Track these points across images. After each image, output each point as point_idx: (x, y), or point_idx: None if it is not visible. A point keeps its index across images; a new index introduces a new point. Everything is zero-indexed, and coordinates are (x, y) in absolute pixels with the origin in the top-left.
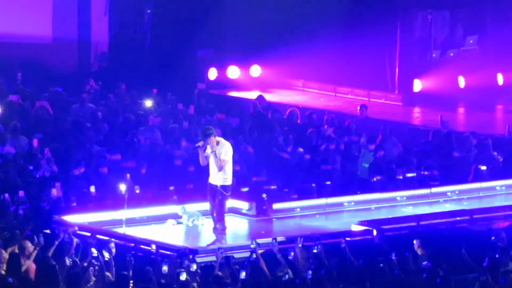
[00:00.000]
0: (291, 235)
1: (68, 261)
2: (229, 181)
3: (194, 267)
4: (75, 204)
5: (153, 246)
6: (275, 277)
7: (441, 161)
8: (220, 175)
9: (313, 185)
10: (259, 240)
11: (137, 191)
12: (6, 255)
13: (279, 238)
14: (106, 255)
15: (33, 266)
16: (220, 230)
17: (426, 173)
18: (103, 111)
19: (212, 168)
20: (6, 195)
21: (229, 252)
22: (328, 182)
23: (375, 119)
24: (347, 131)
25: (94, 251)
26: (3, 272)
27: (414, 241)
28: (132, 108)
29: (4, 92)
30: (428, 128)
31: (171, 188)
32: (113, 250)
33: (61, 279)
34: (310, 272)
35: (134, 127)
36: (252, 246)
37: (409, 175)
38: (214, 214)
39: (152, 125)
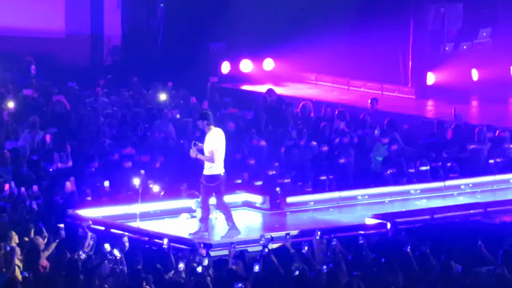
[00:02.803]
0: (305, 228)
1: (82, 255)
2: (215, 170)
3: (205, 262)
4: (90, 198)
5: (165, 241)
6: (287, 272)
7: (455, 154)
8: (206, 163)
9: (324, 177)
10: (273, 234)
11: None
12: (19, 251)
13: (292, 232)
14: (117, 253)
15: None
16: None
17: (438, 164)
18: (116, 105)
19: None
20: (22, 189)
21: (241, 246)
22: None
23: (388, 112)
24: (362, 124)
25: (107, 247)
26: (18, 266)
27: None
28: (145, 101)
29: (18, 86)
30: (441, 120)
31: (183, 187)
32: (127, 245)
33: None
34: (325, 267)
35: (147, 120)
36: (261, 242)
37: (423, 168)
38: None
39: (169, 118)
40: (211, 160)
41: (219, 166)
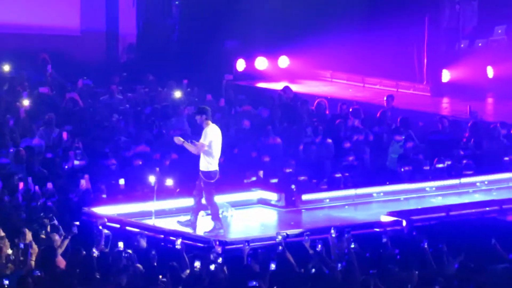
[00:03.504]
0: (320, 226)
1: (96, 252)
2: (212, 167)
3: (220, 259)
4: (105, 195)
5: (178, 241)
6: (303, 269)
7: (471, 151)
8: (203, 160)
9: (339, 175)
10: (288, 232)
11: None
12: (36, 248)
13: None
14: (130, 251)
15: (60, 259)
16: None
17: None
18: (131, 103)
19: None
20: (37, 187)
21: (256, 243)
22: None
23: (403, 109)
24: (380, 122)
25: (121, 245)
26: (32, 264)
27: None
28: (159, 99)
29: (33, 84)
30: (456, 118)
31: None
32: (144, 243)
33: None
34: (339, 265)
35: (162, 118)
36: (277, 240)
37: (439, 165)
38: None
39: (185, 116)
40: (198, 151)
41: (216, 163)
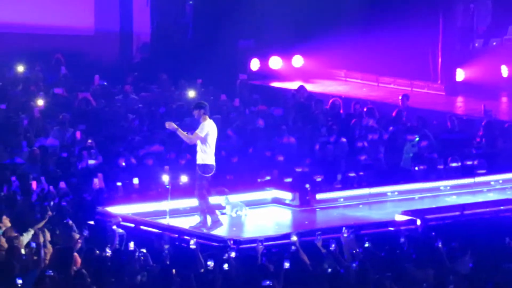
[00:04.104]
0: (335, 225)
1: (109, 252)
2: (208, 160)
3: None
4: (121, 194)
5: (192, 242)
6: (316, 269)
7: (484, 150)
8: (200, 153)
9: (353, 174)
10: (302, 231)
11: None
12: (50, 248)
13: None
14: (144, 251)
15: (77, 258)
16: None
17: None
18: (146, 102)
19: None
20: (51, 187)
21: (269, 242)
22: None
23: (418, 108)
24: (395, 121)
25: (131, 245)
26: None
27: None
28: (171, 99)
29: (47, 84)
30: (471, 117)
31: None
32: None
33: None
34: (354, 265)
35: (177, 118)
36: (292, 239)
37: (453, 164)
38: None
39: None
40: (191, 141)
41: (212, 157)
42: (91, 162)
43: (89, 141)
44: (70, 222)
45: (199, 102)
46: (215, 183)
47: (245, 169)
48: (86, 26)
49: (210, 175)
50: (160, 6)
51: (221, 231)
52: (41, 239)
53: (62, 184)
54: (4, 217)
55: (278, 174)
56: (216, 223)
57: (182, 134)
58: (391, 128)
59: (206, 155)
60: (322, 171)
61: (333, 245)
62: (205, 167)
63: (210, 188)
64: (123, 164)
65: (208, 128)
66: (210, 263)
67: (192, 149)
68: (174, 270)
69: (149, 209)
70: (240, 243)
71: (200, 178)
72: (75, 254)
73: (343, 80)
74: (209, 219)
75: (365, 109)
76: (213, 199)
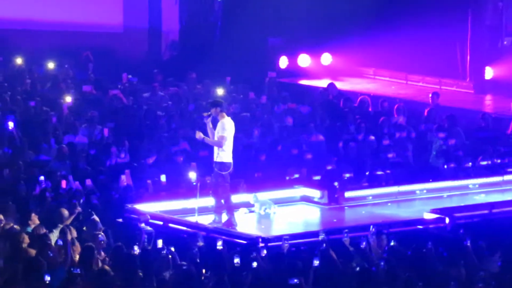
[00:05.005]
0: (363, 223)
1: (137, 250)
2: (226, 158)
3: (263, 255)
4: (150, 191)
5: (219, 243)
6: (346, 267)
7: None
8: (217, 151)
9: (380, 172)
10: (330, 229)
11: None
12: (78, 246)
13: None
14: (172, 249)
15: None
16: (216, 223)
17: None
18: (174, 100)
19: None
20: (77, 183)
21: (298, 240)
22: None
23: (447, 106)
24: (427, 119)
25: (160, 243)
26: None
27: None
28: (203, 96)
29: (76, 81)
30: (500, 115)
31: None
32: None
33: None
34: (382, 263)
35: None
36: (320, 237)
37: (483, 163)
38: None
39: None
40: (219, 145)
41: (229, 155)
42: (121, 159)
43: (123, 140)
44: (97, 218)
45: (216, 100)
46: (244, 180)
47: (274, 167)
48: (115, 24)
49: (227, 173)
50: (188, 3)
51: (249, 229)
52: (69, 237)
53: (89, 182)
54: (33, 214)
55: (306, 172)
56: (231, 223)
57: (209, 141)
58: (422, 126)
59: (223, 152)
60: (350, 169)
61: (364, 243)
62: (222, 165)
63: (230, 186)
64: (150, 161)
65: (227, 126)
66: (237, 260)
67: (210, 145)
68: (204, 270)
69: (178, 207)
70: (268, 241)
71: (216, 176)
72: (102, 252)
73: (371, 78)
74: (224, 218)
75: (395, 107)
76: (241, 197)
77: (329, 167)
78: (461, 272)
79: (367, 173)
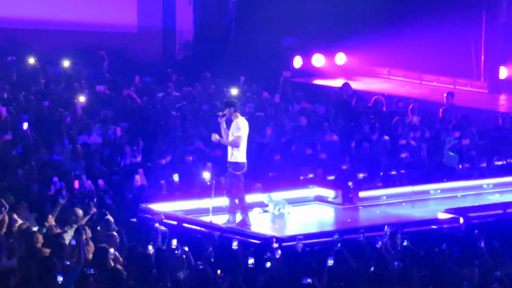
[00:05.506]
0: (377, 223)
1: (151, 250)
2: (240, 158)
3: (278, 255)
4: (164, 191)
5: (234, 243)
6: (360, 267)
7: None
8: (231, 150)
9: (394, 172)
10: (345, 229)
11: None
12: (92, 246)
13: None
14: (186, 248)
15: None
16: (231, 223)
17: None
18: (188, 100)
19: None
20: (89, 182)
21: (312, 240)
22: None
23: (461, 106)
24: (442, 119)
25: (174, 242)
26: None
27: None
28: (216, 96)
29: (90, 81)
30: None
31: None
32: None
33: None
34: (396, 263)
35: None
36: (335, 237)
37: (498, 163)
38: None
39: (245, 113)
40: (236, 145)
41: (243, 155)
42: (133, 159)
43: (137, 140)
44: (111, 218)
45: (229, 100)
46: (258, 180)
47: (288, 167)
48: (129, 24)
49: (241, 172)
50: (202, 3)
51: (263, 229)
52: (83, 237)
53: (101, 182)
54: (50, 216)
55: (321, 172)
56: (245, 223)
57: (225, 142)
58: (437, 125)
59: (238, 152)
60: (364, 169)
61: (380, 243)
62: (236, 165)
63: (245, 186)
64: (163, 162)
65: (242, 126)
66: (251, 261)
67: (224, 145)
68: (219, 271)
69: (192, 207)
70: (282, 240)
71: (230, 176)
72: (116, 252)
73: (386, 77)
74: (238, 217)
75: (410, 107)
76: (255, 197)
77: (344, 167)
78: (474, 272)
79: (381, 173)
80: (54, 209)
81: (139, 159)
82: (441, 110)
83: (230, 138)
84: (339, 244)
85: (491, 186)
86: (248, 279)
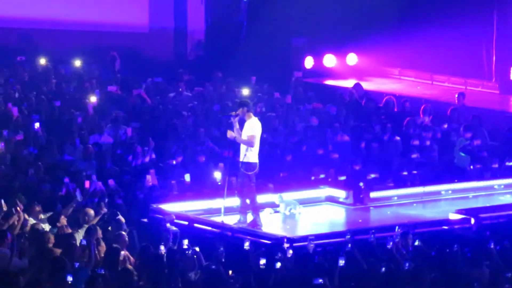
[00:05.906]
0: (389, 224)
1: (163, 250)
2: (252, 158)
3: (289, 255)
4: (175, 191)
5: (246, 244)
6: (371, 267)
7: None
8: (244, 151)
9: (405, 173)
10: (356, 229)
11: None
12: (104, 246)
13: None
14: (197, 249)
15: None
16: (242, 223)
17: None
18: (199, 100)
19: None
20: (99, 183)
21: (323, 240)
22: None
23: (472, 107)
24: (451, 119)
25: (186, 243)
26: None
27: None
28: (227, 96)
29: (102, 81)
30: None
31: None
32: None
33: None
34: (407, 264)
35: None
36: (346, 237)
37: (509, 163)
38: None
39: (257, 113)
40: (251, 144)
41: (256, 155)
42: (145, 159)
43: (149, 140)
44: (122, 218)
45: (243, 100)
46: (269, 181)
47: (299, 167)
48: (141, 24)
49: (253, 173)
50: (214, 3)
51: (274, 229)
52: (94, 237)
53: (111, 182)
54: (62, 217)
55: (333, 173)
56: (256, 223)
57: (241, 140)
58: (445, 126)
59: (250, 152)
60: (374, 169)
61: (391, 243)
62: (248, 165)
63: (256, 186)
64: (174, 162)
65: (255, 126)
66: (262, 261)
67: (236, 145)
68: (230, 272)
69: (203, 207)
70: (293, 241)
71: (242, 176)
72: (126, 252)
73: (397, 78)
74: (249, 218)
75: (422, 108)
76: (266, 198)
77: (356, 167)
78: (485, 273)
79: (390, 178)
80: (68, 207)
81: (150, 159)
82: (449, 110)
83: (245, 138)
84: (349, 245)
85: (502, 187)
86: (259, 279)
